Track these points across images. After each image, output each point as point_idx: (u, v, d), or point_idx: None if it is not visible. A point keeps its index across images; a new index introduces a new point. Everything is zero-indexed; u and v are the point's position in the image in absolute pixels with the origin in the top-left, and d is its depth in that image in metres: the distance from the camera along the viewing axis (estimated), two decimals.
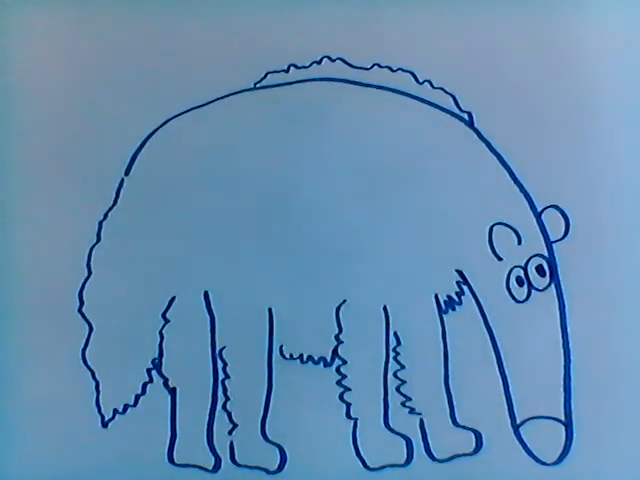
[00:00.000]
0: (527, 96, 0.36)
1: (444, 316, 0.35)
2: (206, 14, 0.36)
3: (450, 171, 0.36)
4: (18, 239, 0.35)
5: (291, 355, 0.35)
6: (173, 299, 0.34)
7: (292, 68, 0.37)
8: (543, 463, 0.33)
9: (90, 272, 0.35)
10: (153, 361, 0.34)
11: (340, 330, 0.34)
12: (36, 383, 0.34)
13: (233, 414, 0.34)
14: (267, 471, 0.34)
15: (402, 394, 0.34)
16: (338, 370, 0.34)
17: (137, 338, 0.34)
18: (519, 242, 0.35)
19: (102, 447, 0.34)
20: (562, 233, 0.35)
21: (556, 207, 0.35)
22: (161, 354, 0.34)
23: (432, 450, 0.34)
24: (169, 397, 0.34)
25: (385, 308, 0.35)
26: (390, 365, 0.34)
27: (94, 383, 0.34)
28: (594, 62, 0.36)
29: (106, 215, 0.35)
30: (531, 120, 0.36)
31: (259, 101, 0.36)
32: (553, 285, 0.35)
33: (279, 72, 0.37)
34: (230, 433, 0.34)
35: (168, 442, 0.34)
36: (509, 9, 0.37)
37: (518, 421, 0.34)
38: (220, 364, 0.35)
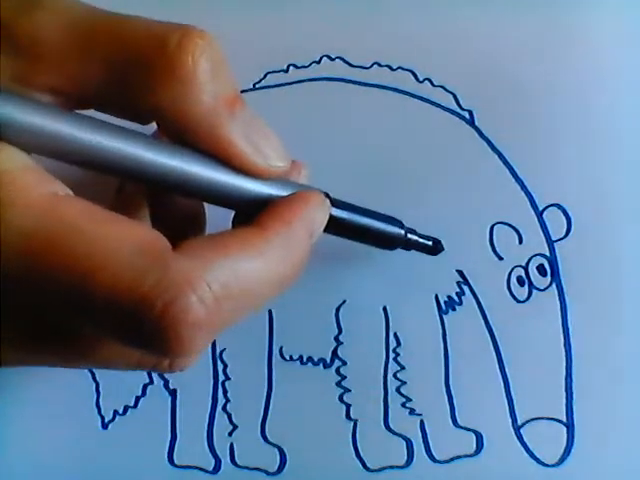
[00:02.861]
0: (528, 94, 0.36)
1: (444, 316, 0.34)
2: (203, 15, 0.36)
3: (450, 170, 0.35)
4: None
5: (291, 356, 0.35)
6: None
7: (291, 68, 0.37)
8: (544, 464, 0.33)
9: None
10: None
11: (340, 331, 0.34)
12: (36, 384, 0.34)
13: (233, 415, 0.34)
14: (267, 472, 0.34)
15: (402, 395, 0.34)
16: (338, 371, 0.34)
17: None
18: (520, 241, 0.35)
19: (102, 448, 0.34)
20: (564, 232, 0.35)
21: (558, 206, 0.35)
22: None
23: (432, 451, 0.34)
24: (169, 398, 0.34)
25: (385, 308, 0.35)
26: (390, 366, 0.34)
27: (94, 384, 0.34)
28: (596, 60, 0.36)
29: None
30: (532, 118, 0.36)
31: (259, 102, 0.36)
32: (554, 285, 0.34)
33: (278, 72, 0.37)
34: (230, 434, 0.34)
35: (168, 443, 0.34)
36: (510, 7, 0.36)
37: (519, 422, 0.34)
38: (220, 366, 0.35)
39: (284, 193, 0.26)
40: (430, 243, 0.33)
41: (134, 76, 0.23)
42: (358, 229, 0.30)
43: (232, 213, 0.27)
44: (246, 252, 0.23)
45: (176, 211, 0.29)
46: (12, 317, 0.23)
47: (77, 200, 0.22)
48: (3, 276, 0.21)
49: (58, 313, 0.22)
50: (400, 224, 0.32)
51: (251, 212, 0.26)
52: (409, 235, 0.32)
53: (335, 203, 0.28)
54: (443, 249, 0.33)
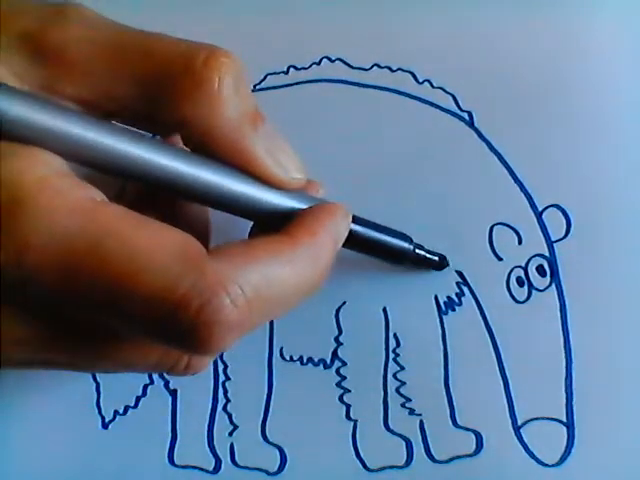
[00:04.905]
0: (528, 95, 0.36)
1: (444, 317, 0.34)
2: (204, 17, 0.36)
3: (450, 171, 0.35)
4: None
5: (291, 357, 0.35)
6: None
7: (292, 69, 0.37)
8: (544, 464, 0.33)
9: None
10: None
11: (340, 332, 0.35)
12: (36, 384, 0.34)
13: (234, 416, 0.34)
14: (267, 472, 0.34)
15: (402, 395, 0.34)
16: (338, 372, 0.34)
17: None
18: (519, 242, 0.35)
19: (102, 448, 0.34)
20: (563, 233, 0.35)
21: (557, 206, 0.35)
22: None
23: (432, 451, 0.34)
24: (170, 398, 0.34)
25: (385, 309, 0.35)
26: (390, 366, 0.34)
27: (94, 384, 0.34)
28: (595, 61, 0.36)
29: None
30: (532, 119, 0.36)
31: (259, 103, 0.36)
32: (554, 285, 0.34)
33: (278, 74, 0.37)
34: (230, 434, 0.34)
35: (169, 443, 0.34)
36: (509, 9, 0.36)
37: (519, 422, 0.34)
38: (221, 366, 0.35)
39: (304, 205, 0.27)
40: (437, 259, 0.34)
41: (161, 91, 0.24)
42: (371, 244, 0.31)
43: (237, 222, 0.28)
44: (276, 259, 0.24)
45: (183, 220, 0.30)
46: (45, 318, 0.23)
47: (114, 205, 0.23)
48: (45, 280, 0.21)
49: (93, 314, 0.23)
50: (410, 240, 0.33)
51: (271, 223, 0.26)
52: (417, 251, 0.33)
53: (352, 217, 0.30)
54: (448, 264, 0.34)
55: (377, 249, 0.32)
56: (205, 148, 0.25)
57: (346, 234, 0.28)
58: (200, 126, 0.25)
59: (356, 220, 0.30)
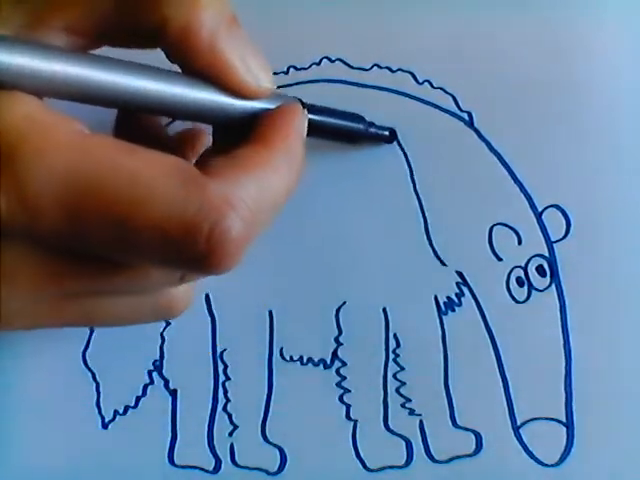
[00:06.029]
0: (528, 96, 0.36)
1: (444, 317, 0.34)
2: None
3: (450, 171, 0.35)
4: None
5: (291, 357, 0.35)
6: None
7: (291, 70, 0.37)
8: (544, 464, 0.33)
9: None
10: (154, 363, 0.35)
11: (340, 332, 0.35)
12: (36, 384, 0.34)
13: (234, 416, 0.34)
14: (267, 472, 0.34)
15: (402, 395, 0.34)
16: (338, 372, 0.34)
17: (138, 340, 0.35)
18: (519, 242, 0.35)
19: (102, 448, 0.34)
20: (563, 233, 0.35)
21: (557, 207, 0.35)
22: (162, 356, 0.35)
23: (432, 451, 0.34)
24: (170, 399, 0.34)
25: (385, 310, 0.35)
26: (390, 367, 0.34)
27: (95, 384, 0.34)
28: (595, 61, 0.36)
29: None
30: (532, 120, 0.36)
31: None
32: (554, 285, 0.34)
33: (279, 74, 0.37)
34: (231, 434, 0.34)
35: (169, 443, 0.34)
36: (509, 9, 0.36)
37: (519, 422, 0.34)
38: (221, 366, 0.35)
39: (266, 105, 0.28)
40: (387, 133, 0.35)
41: None
42: (327, 129, 0.32)
43: None
44: (263, 169, 0.25)
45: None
46: (54, 254, 0.23)
47: (103, 135, 0.22)
48: (50, 223, 0.21)
49: (103, 250, 0.22)
50: (363, 119, 0.34)
51: (235, 126, 0.27)
52: (370, 129, 0.35)
53: (308, 108, 0.30)
54: (397, 137, 0.36)
55: (334, 133, 0.33)
56: (182, 53, 0.25)
57: (306, 129, 0.29)
58: (179, 28, 0.25)
59: (312, 110, 0.31)
